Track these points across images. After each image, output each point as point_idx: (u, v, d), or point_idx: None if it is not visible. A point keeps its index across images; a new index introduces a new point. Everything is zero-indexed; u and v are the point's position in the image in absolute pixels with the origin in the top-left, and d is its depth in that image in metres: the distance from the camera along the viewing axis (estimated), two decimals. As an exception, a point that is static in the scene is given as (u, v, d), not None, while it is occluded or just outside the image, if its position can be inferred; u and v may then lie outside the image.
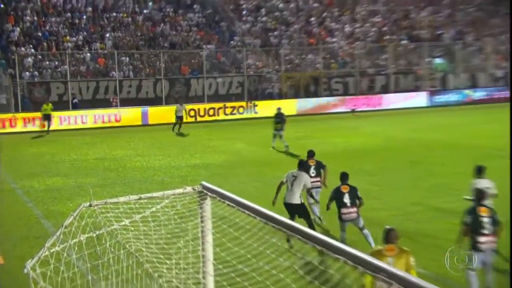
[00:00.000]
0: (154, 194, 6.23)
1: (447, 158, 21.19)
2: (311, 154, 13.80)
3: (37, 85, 36.96)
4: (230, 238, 6.23)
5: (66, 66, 37.10)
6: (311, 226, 11.78)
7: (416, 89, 42.75)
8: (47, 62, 38.42)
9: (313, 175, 13.22)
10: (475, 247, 9.38)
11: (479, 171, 11.65)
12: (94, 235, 5.97)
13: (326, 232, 12.36)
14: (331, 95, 40.99)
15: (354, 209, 11.42)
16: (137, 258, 6.19)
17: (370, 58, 44.72)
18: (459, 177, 17.21)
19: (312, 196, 12.75)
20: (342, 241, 11.50)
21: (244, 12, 47.53)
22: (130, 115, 35.56)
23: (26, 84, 36.47)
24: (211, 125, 34.18)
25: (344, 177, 11.74)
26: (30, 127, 32.60)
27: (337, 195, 11.50)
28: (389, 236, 7.34)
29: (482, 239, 9.35)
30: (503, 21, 51.28)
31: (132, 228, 6.16)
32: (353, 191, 11.52)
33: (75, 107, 35.22)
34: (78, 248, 5.79)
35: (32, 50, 38.66)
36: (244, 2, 48.51)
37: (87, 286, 6.23)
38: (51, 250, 5.67)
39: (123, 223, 6.08)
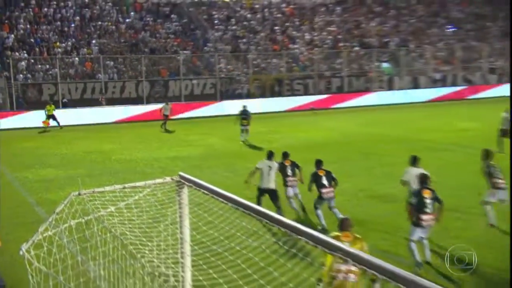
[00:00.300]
0: (137, 184, 6.16)
1: (394, 150, 21.33)
2: (286, 155, 13.56)
3: (30, 86, 36.25)
4: (205, 222, 6.21)
5: (56, 69, 36.49)
6: (280, 209, 12.22)
7: (367, 89, 43.01)
8: (39, 66, 37.72)
9: (290, 174, 13.17)
10: (417, 223, 9.62)
11: (414, 161, 11.81)
12: (83, 220, 5.89)
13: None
14: (293, 95, 41.01)
15: (332, 189, 11.88)
16: (121, 240, 6.12)
17: (327, 63, 44.89)
18: (404, 166, 17.51)
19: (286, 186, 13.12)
20: (319, 216, 11.92)
21: (216, 22, 47.26)
22: (115, 113, 35.08)
23: (20, 85, 35.76)
24: (188, 122, 33.97)
25: (318, 163, 12.28)
26: (24, 124, 31.91)
27: (316, 178, 11.95)
28: (343, 224, 7.30)
29: (424, 217, 9.61)
30: (441, 31, 52.19)
31: (117, 214, 6.09)
32: (328, 174, 12.04)
33: (65, 106, 34.66)
34: (68, 232, 5.70)
35: (26, 54, 37.98)
36: (216, 13, 48.28)
37: (77, 265, 6.12)
38: (44, 234, 5.58)
39: (109, 209, 6.02)
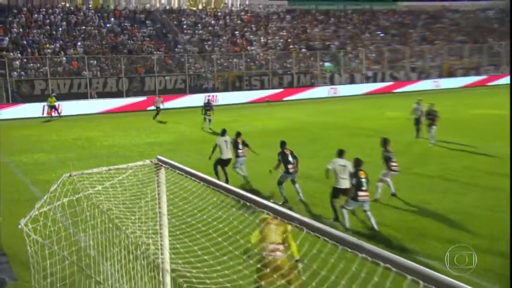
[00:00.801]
0: (121, 166, 5.98)
1: (337, 135, 21.48)
2: (238, 134, 14.09)
3: (23, 82, 34.92)
4: (180, 198, 6.08)
5: (46, 67, 35.25)
6: (227, 176, 13.49)
7: (312, 85, 43.24)
8: (31, 64, 36.33)
9: (241, 149, 13.79)
10: (355, 199, 9.83)
11: (340, 153, 10.87)
12: (74, 198, 5.72)
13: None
14: (251, 89, 40.89)
15: (295, 165, 11.82)
16: (108, 215, 5.98)
17: (279, 62, 44.90)
18: (346, 149, 17.73)
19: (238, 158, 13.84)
20: (282, 190, 11.93)
21: (185, 27, 46.49)
22: (99, 105, 34.19)
23: (15, 81, 34.39)
24: (162, 112, 33.39)
25: (283, 144, 12.17)
26: (19, 115, 30.76)
27: (284, 157, 11.80)
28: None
29: (361, 193, 9.80)
30: (372, 36, 52.86)
31: (104, 192, 5.91)
32: (292, 153, 11.92)
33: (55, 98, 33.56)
34: (61, 208, 5.53)
35: (19, 54, 36.47)
36: (185, 19, 47.49)
37: (69, 237, 5.95)
38: (40, 210, 5.40)
39: (96, 188, 5.84)
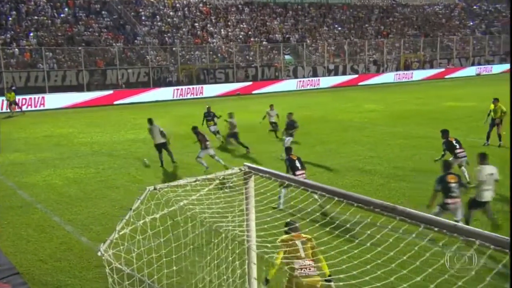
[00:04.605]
0: (208, 176, 5.30)
1: (322, 129, 21.01)
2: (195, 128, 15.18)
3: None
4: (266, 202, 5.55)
5: (-2, 59, 32.75)
6: (171, 155, 15.37)
7: (277, 78, 42.91)
8: (-20, 56, 33.56)
9: (208, 139, 14.64)
10: (444, 207, 8.50)
11: (484, 158, 9.10)
12: (166, 212, 5.00)
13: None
14: (216, 82, 39.95)
15: (304, 173, 10.85)
16: (207, 224, 5.33)
17: (242, 55, 44.25)
18: (338, 142, 17.49)
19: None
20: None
21: (143, 18, 44.71)
22: (59, 100, 32.08)
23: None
24: (129, 107, 31.92)
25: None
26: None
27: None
28: (295, 229, 6.11)
29: (450, 200, 8.41)
30: (330, 30, 53.32)
31: (196, 203, 5.26)
32: (299, 159, 11.05)
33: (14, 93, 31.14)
34: (146, 227, 4.81)
35: (-35, 46, 33.57)
36: (142, 10, 45.66)
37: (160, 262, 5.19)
38: (121, 233, 4.65)
39: (186, 200, 5.13)
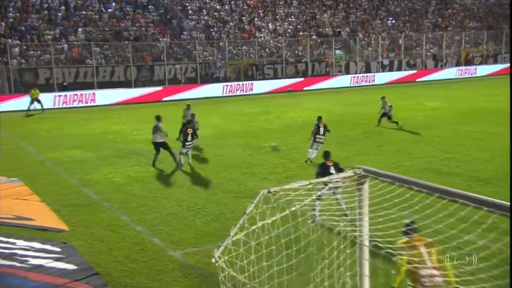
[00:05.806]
0: (322, 179, 5.33)
1: (391, 128, 20.47)
2: (189, 122, 16.96)
3: (26, 71, 33.33)
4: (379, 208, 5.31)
5: (48, 55, 33.72)
6: (173, 156, 15.56)
7: (328, 74, 42.33)
8: (32, 52, 34.76)
9: (189, 139, 15.51)
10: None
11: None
12: (278, 217, 4.84)
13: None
14: (264, 78, 39.73)
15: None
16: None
17: (290, 50, 43.94)
18: (412, 141, 16.90)
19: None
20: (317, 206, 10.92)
21: (190, 12, 45.14)
22: (109, 96, 32.75)
23: (17, 70, 32.81)
24: (179, 103, 32.16)
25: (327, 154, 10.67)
26: (23, 106, 29.14)
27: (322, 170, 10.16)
28: (413, 231, 5.70)
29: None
30: (383, 22, 52.23)
31: (308, 207, 5.09)
32: (336, 165, 10.29)
33: (65, 89, 32.09)
34: (262, 231, 4.65)
35: (18, 41, 34.81)
36: (189, 4, 46.11)
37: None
38: (234, 238, 4.51)
39: (301, 203, 4.98)
